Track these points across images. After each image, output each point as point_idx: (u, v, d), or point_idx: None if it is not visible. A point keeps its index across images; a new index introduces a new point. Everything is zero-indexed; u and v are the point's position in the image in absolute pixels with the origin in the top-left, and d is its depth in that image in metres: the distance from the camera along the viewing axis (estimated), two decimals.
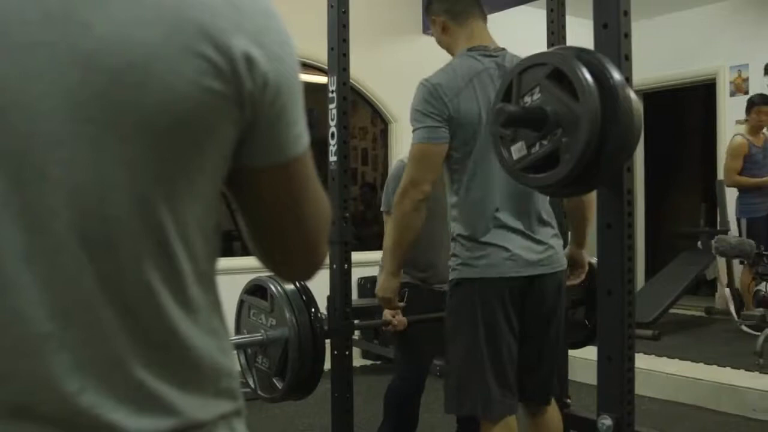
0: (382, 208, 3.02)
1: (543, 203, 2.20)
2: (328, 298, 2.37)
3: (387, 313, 2.88)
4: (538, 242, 2.15)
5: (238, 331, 2.39)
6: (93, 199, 0.65)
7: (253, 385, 2.35)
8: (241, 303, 2.38)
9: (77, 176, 0.64)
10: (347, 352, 2.32)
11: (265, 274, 2.24)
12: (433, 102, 2.07)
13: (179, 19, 0.64)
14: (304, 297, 2.21)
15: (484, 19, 2.24)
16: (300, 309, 2.18)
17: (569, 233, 2.46)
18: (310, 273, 0.84)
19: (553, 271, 2.19)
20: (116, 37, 0.63)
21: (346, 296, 2.33)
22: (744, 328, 5.30)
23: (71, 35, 0.62)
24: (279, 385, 2.23)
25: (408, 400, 3.05)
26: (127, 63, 0.63)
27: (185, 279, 0.70)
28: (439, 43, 2.30)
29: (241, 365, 2.37)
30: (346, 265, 2.32)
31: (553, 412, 2.32)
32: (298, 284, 2.23)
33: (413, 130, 2.13)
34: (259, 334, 2.26)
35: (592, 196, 2.28)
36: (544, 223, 2.19)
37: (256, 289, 2.34)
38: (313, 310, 2.20)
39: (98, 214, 0.65)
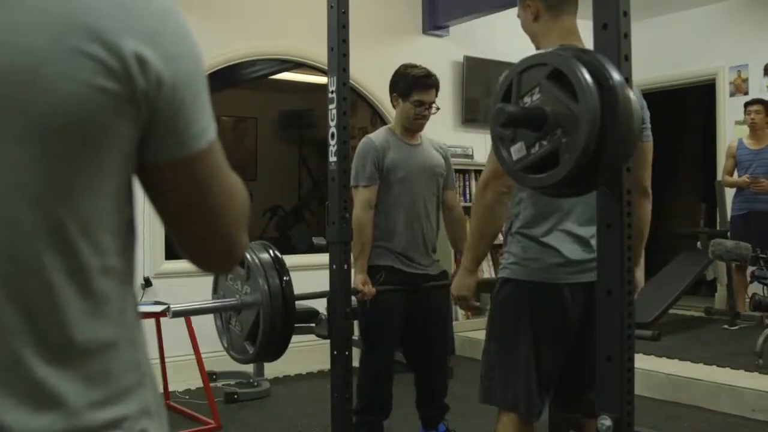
0: (351, 183, 3.09)
1: None
2: (328, 298, 2.37)
3: (357, 282, 2.92)
4: (595, 248, 2.12)
5: (215, 291, 2.51)
6: None
7: (226, 345, 2.47)
8: None
9: None
10: (347, 352, 2.32)
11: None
12: None
13: (67, 23, 0.66)
14: (277, 266, 2.30)
15: (576, 16, 2.15)
16: (273, 277, 2.28)
17: None
18: (227, 265, 0.85)
19: None
20: (3, 43, 0.64)
21: (346, 296, 2.33)
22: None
23: None
24: (250, 349, 2.34)
25: (379, 383, 3.08)
26: (15, 68, 0.64)
27: (90, 273, 0.71)
28: (525, 28, 2.20)
29: (217, 327, 2.51)
30: (346, 266, 2.32)
31: None
32: (272, 253, 2.33)
33: None
34: (234, 299, 2.36)
35: (648, 212, 2.26)
36: None
37: None
38: (285, 278, 2.29)
39: None
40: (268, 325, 2.26)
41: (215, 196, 0.78)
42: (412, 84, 3.14)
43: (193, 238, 0.80)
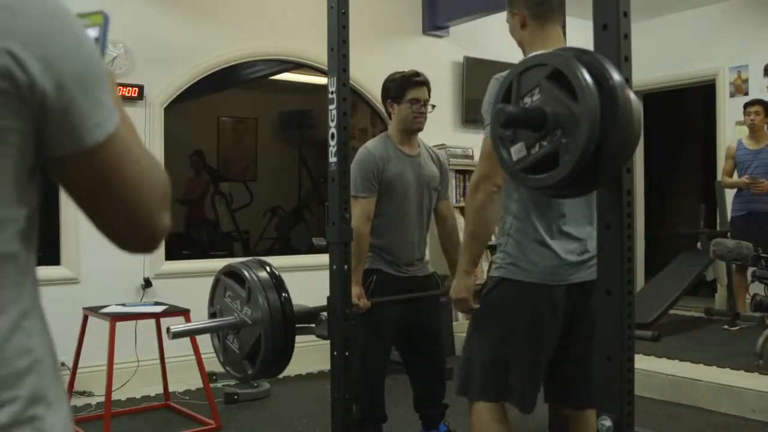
0: (351, 193, 3.08)
1: (594, 207, 2.23)
2: (328, 298, 2.37)
3: (353, 295, 2.94)
4: (589, 249, 2.16)
5: (211, 305, 2.51)
6: None
7: (222, 360, 2.48)
8: (216, 281, 2.50)
9: None
10: (347, 353, 2.32)
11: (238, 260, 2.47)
12: None
13: None
14: (275, 283, 2.32)
15: (561, 23, 2.25)
16: (273, 295, 2.29)
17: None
18: (146, 246, 0.87)
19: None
20: None
21: (346, 297, 2.33)
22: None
23: None
24: (249, 369, 2.35)
25: (377, 387, 3.11)
26: None
27: None
28: (512, 34, 2.29)
29: (214, 345, 2.52)
30: (346, 266, 2.32)
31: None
32: (268, 269, 2.36)
33: (485, 125, 2.15)
34: (233, 317, 2.37)
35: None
36: (593, 227, 2.19)
37: (232, 274, 2.44)
38: (284, 294, 2.31)
39: None
40: (269, 344, 2.25)
41: (121, 184, 0.80)
42: (404, 84, 3.17)
43: (106, 223, 0.83)
